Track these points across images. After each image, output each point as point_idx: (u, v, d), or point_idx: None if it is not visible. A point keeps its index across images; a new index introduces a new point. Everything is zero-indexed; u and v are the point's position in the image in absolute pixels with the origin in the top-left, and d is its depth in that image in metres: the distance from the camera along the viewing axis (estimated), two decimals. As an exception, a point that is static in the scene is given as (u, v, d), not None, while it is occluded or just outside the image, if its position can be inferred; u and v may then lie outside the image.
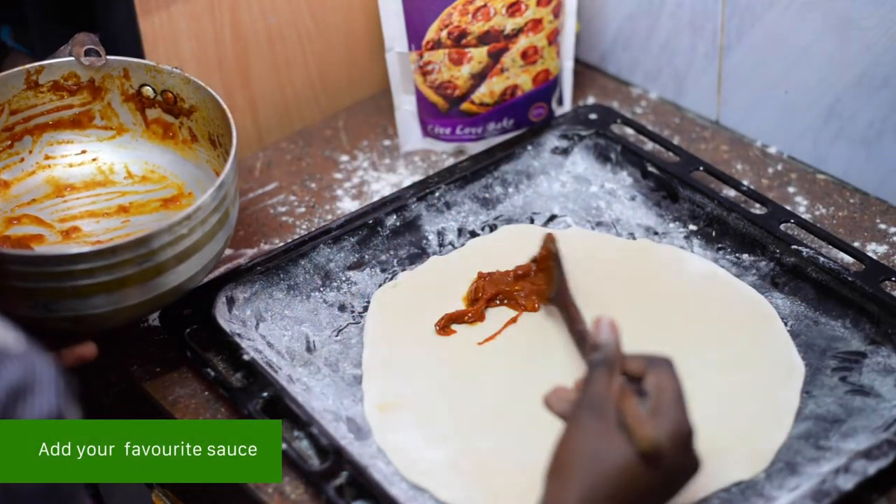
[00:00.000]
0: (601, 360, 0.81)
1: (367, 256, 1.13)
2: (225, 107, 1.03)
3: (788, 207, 1.15)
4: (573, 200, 1.20)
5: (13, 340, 0.64)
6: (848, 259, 1.08)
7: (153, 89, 1.10)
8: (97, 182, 1.13)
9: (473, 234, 1.16)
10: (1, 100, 1.08)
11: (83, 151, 1.14)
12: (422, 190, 1.17)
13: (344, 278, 1.11)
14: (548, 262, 1.05)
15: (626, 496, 0.77)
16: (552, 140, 1.23)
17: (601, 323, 0.83)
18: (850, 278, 1.04)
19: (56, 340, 0.95)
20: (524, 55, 1.22)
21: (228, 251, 1.14)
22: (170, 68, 1.08)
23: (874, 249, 1.13)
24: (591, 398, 0.80)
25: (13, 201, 1.10)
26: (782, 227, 1.10)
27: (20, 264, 0.91)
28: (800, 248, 1.08)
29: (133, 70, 1.10)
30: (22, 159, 1.12)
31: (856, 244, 1.13)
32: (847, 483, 0.88)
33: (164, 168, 1.13)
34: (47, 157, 1.13)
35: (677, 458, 0.78)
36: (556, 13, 1.23)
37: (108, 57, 1.08)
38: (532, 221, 1.17)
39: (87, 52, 1.07)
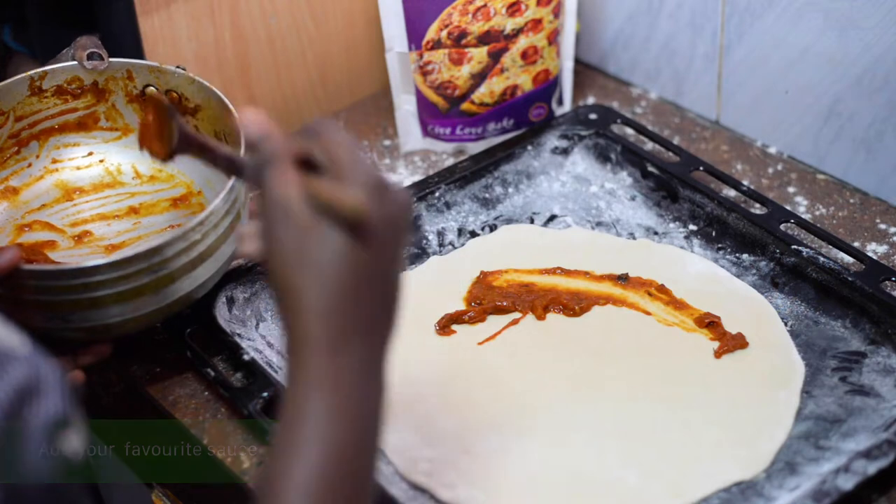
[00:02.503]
0: (265, 158, 0.71)
1: (367, 256, 1.12)
2: (231, 106, 1.03)
3: (788, 207, 1.15)
4: (573, 200, 1.20)
5: (18, 342, 0.64)
6: (848, 259, 1.08)
7: (157, 90, 1.10)
8: (106, 184, 1.13)
9: (473, 234, 1.16)
10: (6, 107, 1.08)
11: (90, 153, 1.13)
12: (422, 190, 1.17)
13: (344, 278, 1.11)
14: (156, 117, 0.86)
15: (358, 288, 0.69)
16: (552, 140, 1.23)
17: (245, 119, 0.72)
18: (850, 278, 1.04)
19: (68, 348, 0.95)
20: (524, 55, 1.22)
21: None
22: (173, 68, 1.08)
23: (874, 249, 1.13)
24: (276, 205, 0.69)
25: (23, 207, 1.10)
26: (782, 227, 1.10)
27: (37, 279, 0.91)
28: (800, 248, 1.08)
29: (137, 71, 1.09)
30: (29, 164, 1.12)
31: (856, 244, 1.13)
32: (847, 483, 0.88)
33: (172, 167, 1.13)
34: (54, 161, 1.13)
35: (384, 213, 0.70)
36: (556, 13, 1.23)
37: (111, 59, 1.08)
38: (532, 221, 1.17)
39: (90, 56, 1.07)
